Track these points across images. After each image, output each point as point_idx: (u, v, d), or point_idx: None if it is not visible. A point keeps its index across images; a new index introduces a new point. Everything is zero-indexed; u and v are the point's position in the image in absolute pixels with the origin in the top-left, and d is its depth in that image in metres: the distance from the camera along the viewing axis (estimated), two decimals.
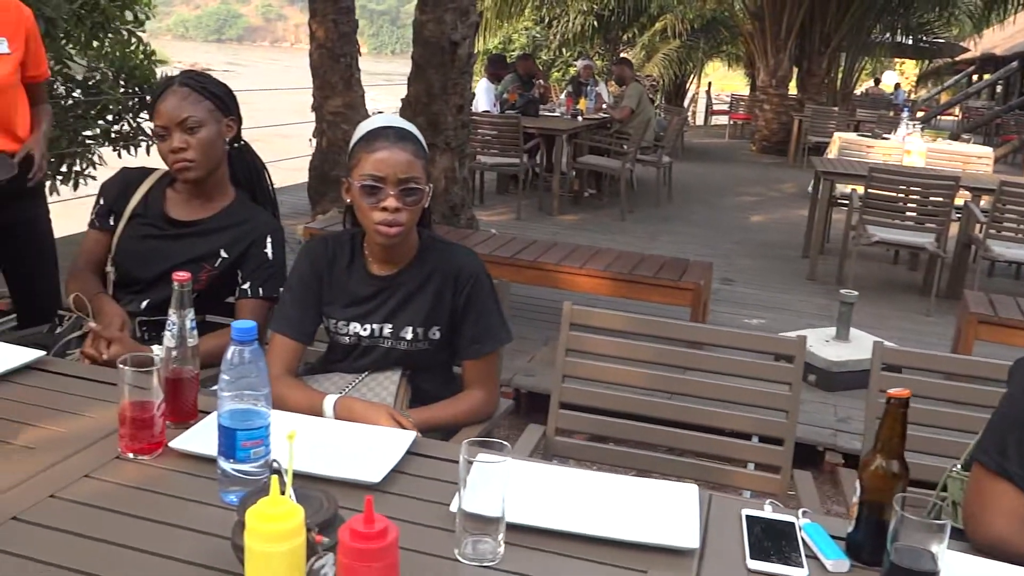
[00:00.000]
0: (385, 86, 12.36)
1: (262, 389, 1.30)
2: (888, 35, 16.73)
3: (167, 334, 1.53)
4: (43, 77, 2.78)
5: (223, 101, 2.21)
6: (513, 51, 18.52)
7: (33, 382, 1.73)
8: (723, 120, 17.83)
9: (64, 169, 5.65)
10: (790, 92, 14.59)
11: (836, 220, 6.93)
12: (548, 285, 4.48)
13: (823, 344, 4.34)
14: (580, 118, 8.60)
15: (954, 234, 5.88)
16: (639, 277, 4.25)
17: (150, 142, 5.78)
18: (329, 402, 1.79)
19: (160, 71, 5.94)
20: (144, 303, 2.20)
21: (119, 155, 5.82)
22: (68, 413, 1.60)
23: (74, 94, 5.69)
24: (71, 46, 5.45)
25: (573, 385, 2.05)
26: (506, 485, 1.19)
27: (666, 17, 17.71)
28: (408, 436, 1.56)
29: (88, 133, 5.70)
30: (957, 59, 22.44)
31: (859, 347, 4.30)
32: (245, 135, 2.34)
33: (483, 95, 8.78)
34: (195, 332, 1.55)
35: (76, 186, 5.80)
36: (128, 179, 2.30)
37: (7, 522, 1.23)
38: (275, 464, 1.18)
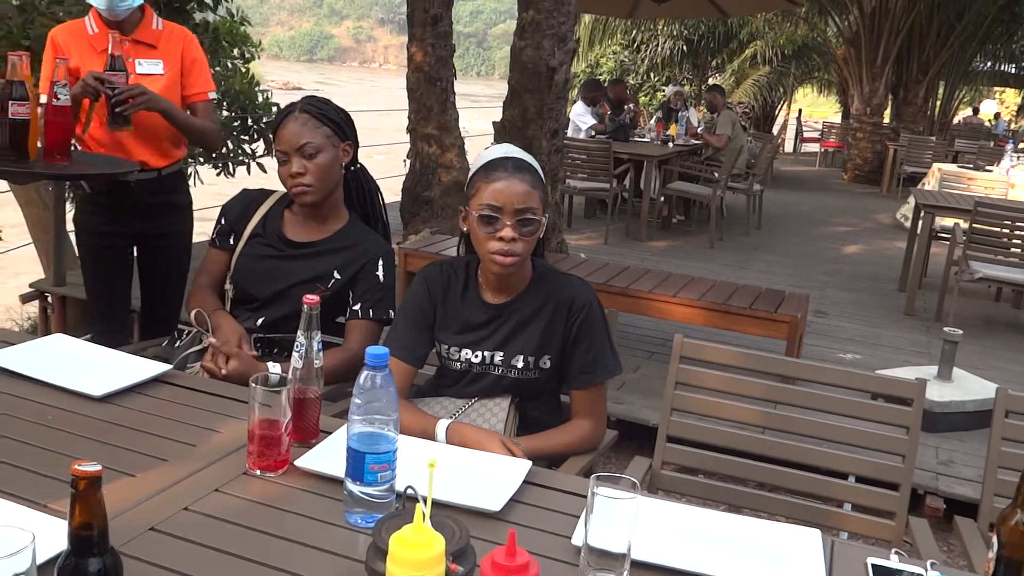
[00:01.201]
0: (473, 108, 12.54)
1: (391, 414, 1.32)
2: (989, 63, 16.20)
3: (295, 354, 1.58)
4: (200, 98, 2.91)
5: (340, 127, 2.28)
6: (601, 75, 18.57)
7: (160, 394, 1.80)
8: (814, 148, 17.50)
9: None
10: (885, 120, 14.24)
11: (935, 254, 6.72)
12: (640, 313, 4.44)
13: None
14: (671, 144, 8.55)
15: None
16: (734, 308, 4.18)
17: (249, 162, 6.00)
18: (442, 427, 1.81)
19: (260, 95, 6.17)
20: (260, 320, 2.27)
21: (220, 174, 6.04)
22: (195, 427, 1.66)
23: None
24: None
25: (681, 419, 2.03)
26: (634, 521, 1.19)
27: (756, 43, 17.53)
28: (524, 465, 1.56)
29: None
30: None
31: (962, 387, 4.15)
32: None
33: (578, 118, 8.80)
34: (321, 354, 1.59)
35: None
36: (248, 200, 2.39)
37: (145, 532, 1.28)
38: (410, 491, 1.19)
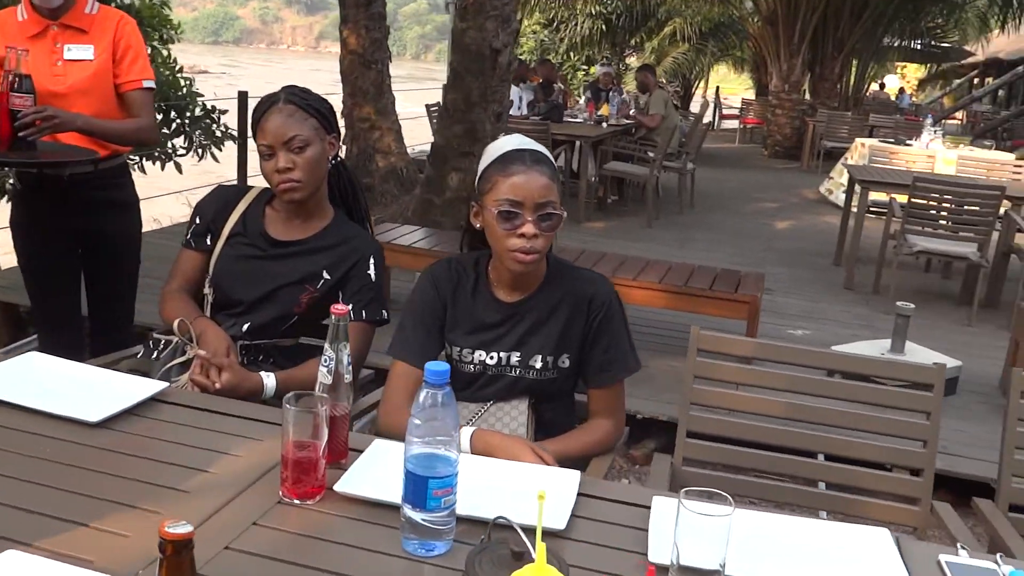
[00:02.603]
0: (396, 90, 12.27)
1: (452, 434, 1.23)
2: (898, 40, 16.71)
3: (322, 368, 1.46)
4: (132, 87, 2.72)
5: (326, 118, 2.14)
6: (521, 54, 18.50)
7: (159, 415, 1.66)
8: (732, 124, 17.80)
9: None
10: (804, 97, 14.56)
11: (866, 227, 6.88)
12: None
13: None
14: (604, 124, 8.54)
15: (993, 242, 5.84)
16: (695, 290, 4.19)
17: (172, 155, 5.71)
18: (465, 434, 1.72)
19: (183, 82, 5.88)
20: (245, 326, 2.12)
21: (142, 170, 5.74)
22: (208, 451, 1.52)
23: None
24: None
25: (700, 413, 1.99)
26: (728, 537, 1.13)
27: (675, 21, 17.70)
28: (572, 476, 1.49)
29: None
30: (963, 63, 22.46)
31: (917, 360, 4.24)
32: None
33: (515, 99, 8.72)
34: (350, 367, 1.48)
35: None
36: (225, 197, 2.23)
37: None
38: (502, 521, 1.10)
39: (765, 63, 16.03)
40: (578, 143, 7.93)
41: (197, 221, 2.21)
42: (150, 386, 1.73)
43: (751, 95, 20.77)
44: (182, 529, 0.80)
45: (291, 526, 1.31)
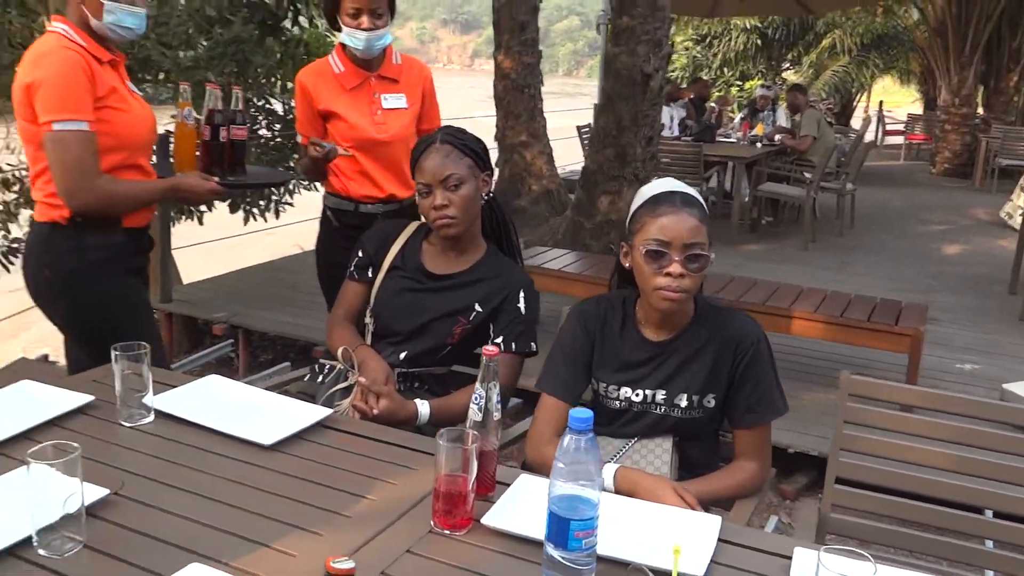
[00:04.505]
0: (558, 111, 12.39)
1: (596, 478, 1.27)
2: None
3: (472, 406, 1.54)
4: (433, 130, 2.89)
5: (480, 157, 2.24)
6: (673, 71, 18.34)
7: (324, 440, 1.78)
8: (896, 140, 16.96)
9: (262, 201, 5.99)
10: (976, 112, 13.72)
11: None
12: None
13: None
14: (758, 144, 8.36)
15: None
16: (851, 321, 4.04)
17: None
18: (609, 471, 1.75)
19: None
20: (402, 354, 2.24)
21: (314, 188, 6.10)
22: (367, 477, 1.62)
23: (275, 127, 6.01)
24: (273, 84, 5.78)
25: (850, 459, 1.93)
26: None
27: (834, 33, 17.09)
28: (714, 521, 1.49)
29: (290, 164, 6.00)
30: None
31: None
32: None
33: (665, 119, 8.69)
34: (499, 405, 1.55)
35: (277, 214, 6.14)
36: (386, 232, 2.36)
37: None
38: (638, 567, 1.14)
39: (933, 76, 15.20)
40: (731, 163, 7.80)
41: (360, 254, 2.35)
42: (317, 412, 1.86)
43: (917, 108, 19.73)
44: (346, 565, 0.88)
45: (441, 555, 1.38)
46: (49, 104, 2.17)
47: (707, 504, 1.79)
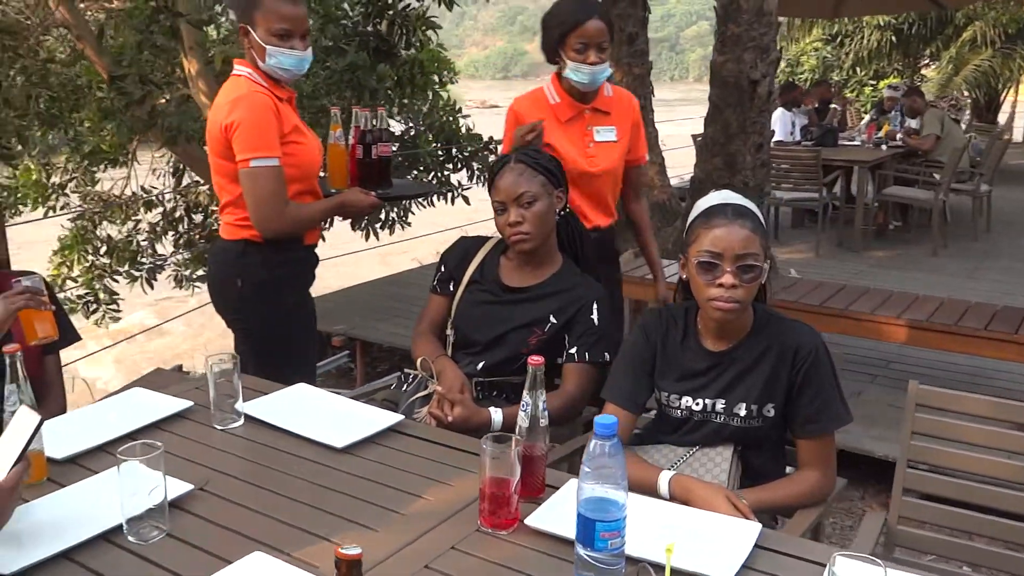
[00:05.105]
0: (667, 115, 12.30)
1: (620, 481, 1.33)
2: None
3: (520, 413, 1.62)
4: (638, 162, 2.95)
5: (554, 174, 2.33)
6: (802, 74, 17.83)
7: (394, 444, 1.90)
8: None
9: (382, 217, 6.27)
10: None
11: None
12: (860, 335, 4.21)
13: None
14: (884, 147, 8.05)
15: None
16: (965, 329, 3.87)
17: (456, 193, 6.27)
18: (664, 479, 1.80)
19: (462, 124, 6.43)
20: (480, 364, 2.34)
21: (432, 204, 6.34)
22: (427, 479, 1.73)
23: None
24: (392, 105, 6.05)
25: (919, 471, 1.90)
26: None
27: (975, 25, 16.18)
28: (753, 528, 1.52)
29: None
30: None
31: None
32: None
33: (778, 124, 8.50)
34: (546, 412, 1.62)
35: (392, 231, 6.41)
36: (466, 247, 2.48)
37: None
38: (645, 564, 1.19)
39: None
40: (855, 168, 7.56)
41: (442, 269, 2.48)
42: (389, 418, 1.99)
43: None
44: (353, 551, 0.99)
45: (484, 553, 1.47)
46: (246, 144, 2.39)
47: (766, 512, 1.81)
